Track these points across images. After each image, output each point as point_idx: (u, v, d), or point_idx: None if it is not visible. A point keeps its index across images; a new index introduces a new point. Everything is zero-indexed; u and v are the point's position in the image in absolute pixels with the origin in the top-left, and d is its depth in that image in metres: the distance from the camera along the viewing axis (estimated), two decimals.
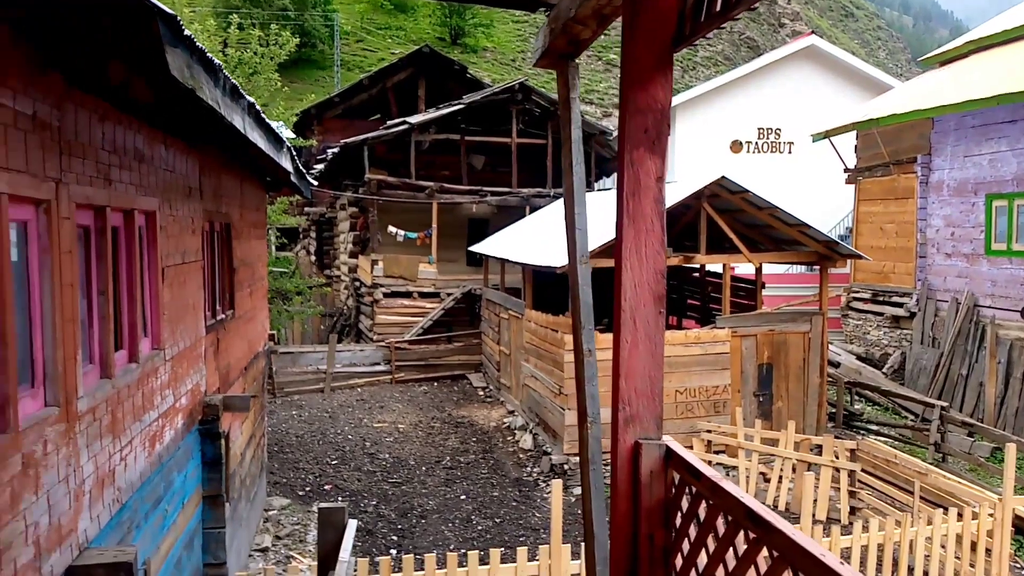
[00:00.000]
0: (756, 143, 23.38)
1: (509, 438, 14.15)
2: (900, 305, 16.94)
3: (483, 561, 6.84)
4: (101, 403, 3.85)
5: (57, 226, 3.34)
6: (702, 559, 1.97)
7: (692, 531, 2.05)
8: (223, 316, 7.48)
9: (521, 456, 13.16)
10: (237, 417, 7.46)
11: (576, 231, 2.63)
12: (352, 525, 3.70)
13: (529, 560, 6.86)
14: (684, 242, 14.50)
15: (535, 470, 12.44)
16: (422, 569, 6.56)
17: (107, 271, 4.10)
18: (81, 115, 3.73)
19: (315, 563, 8.89)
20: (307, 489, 11.31)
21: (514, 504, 11.01)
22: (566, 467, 11.92)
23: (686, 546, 2.10)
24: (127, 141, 4.47)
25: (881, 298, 17.75)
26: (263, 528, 9.51)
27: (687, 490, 2.09)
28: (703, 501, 2.03)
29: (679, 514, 2.17)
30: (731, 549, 1.84)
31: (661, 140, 2.27)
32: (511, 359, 15.76)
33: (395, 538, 9.74)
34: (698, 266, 15.91)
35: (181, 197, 5.82)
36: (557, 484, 6.89)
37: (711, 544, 1.95)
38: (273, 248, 22.75)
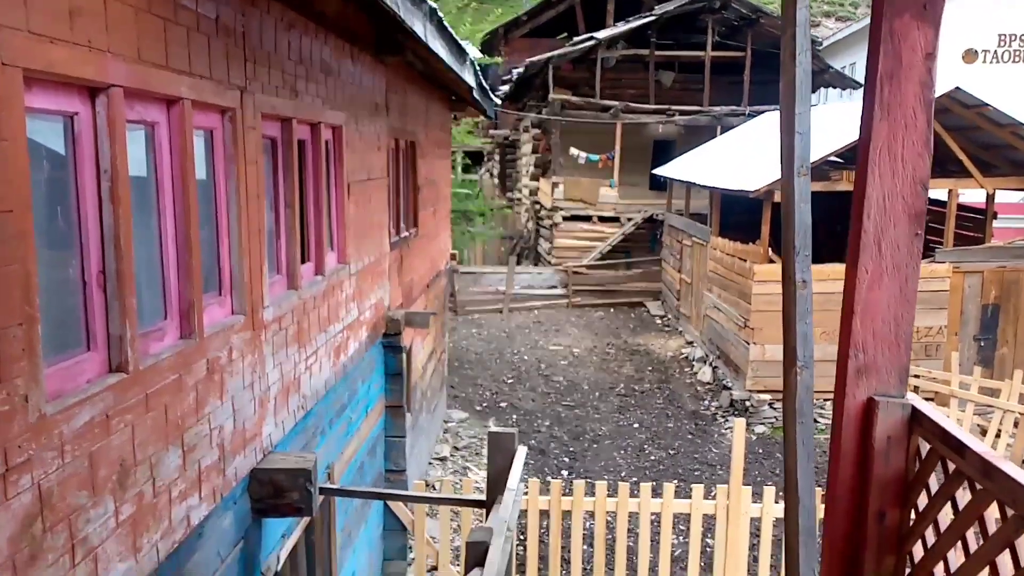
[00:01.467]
0: (995, 52, 20.15)
1: (687, 369, 13.66)
2: None
3: (656, 493, 6.59)
4: (287, 313, 3.92)
5: (242, 135, 3.32)
6: (956, 557, 1.54)
7: (942, 517, 1.61)
8: (407, 234, 7.58)
9: (699, 389, 12.67)
10: (419, 333, 7.63)
11: (796, 135, 2.14)
12: (522, 452, 3.54)
13: (705, 497, 6.52)
14: None
15: (713, 404, 11.93)
16: (592, 495, 6.45)
17: (293, 184, 4.12)
18: (266, 22, 3.66)
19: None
20: (484, 405, 11.61)
21: (689, 437, 10.64)
22: (748, 404, 11.29)
23: (931, 535, 1.67)
24: (314, 52, 4.41)
25: None
26: (442, 439, 9.88)
27: (940, 464, 1.64)
28: (963, 481, 1.58)
29: (923, 492, 1.73)
30: (1009, 551, 1.39)
31: (935, 3, 1.71)
32: (692, 288, 15.07)
33: (567, 460, 9.75)
34: None
35: (367, 113, 5.80)
36: (740, 423, 6.41)
37: (972, 541, 1.51)
38: (458, 170, 23.18)
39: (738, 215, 14.23)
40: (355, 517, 5.51)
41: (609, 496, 6.43)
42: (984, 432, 9.98)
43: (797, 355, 2.02)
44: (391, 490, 5.12)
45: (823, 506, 2.25)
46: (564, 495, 6.45)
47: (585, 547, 7.57)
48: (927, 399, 10.83)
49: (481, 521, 6.51)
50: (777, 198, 10.85)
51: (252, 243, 3.41)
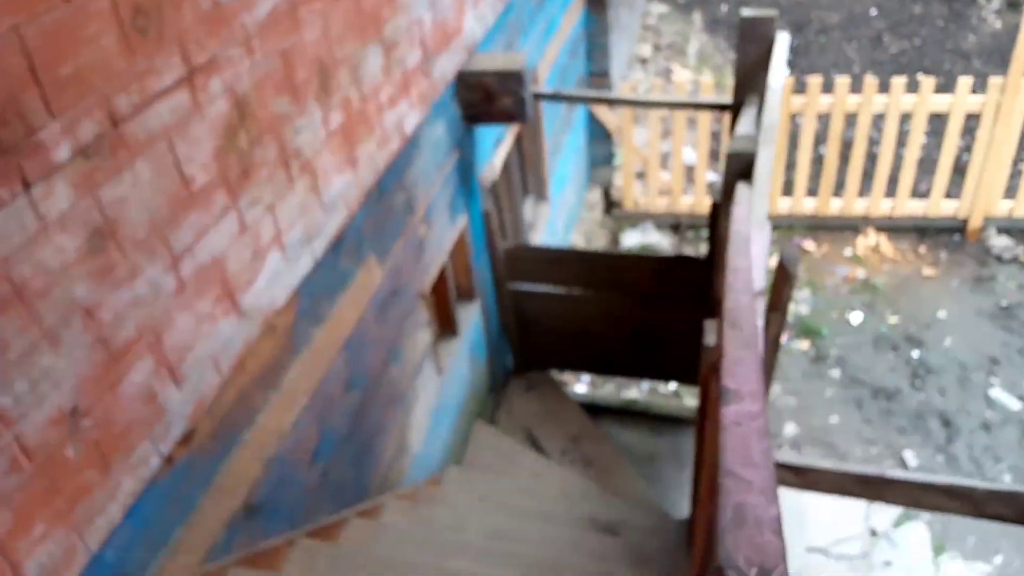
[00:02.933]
0: None
1: None
2: None
3: (911, 89, 5.59)
4: None
5: None
6: None
7: None
8: None
9: None
10: None
11: None
12: (784, 39, 2.79)
13: (973, 93, 5.47)
14: None
15: None
16: (829, 92, 5.61)
17: None
18: None
19: (696, 76, 8.33)
20: None
21: (940, 24, 8.89)
22: None
23: None
24: None
25: None
26: (642, 36, 8.97)
27: None
28: None
29: None
30: None
31: None
32: None
33: (788, 56, 8.60)
34: None
35: None
36: None
37: None
38: None
39: None
40: (561, 125, 5.17)
41: (852, 93, 5.55)
42: None
43: None
44: (615, 95, 4.60)
45: None
46: (795, 93, 5.67)
47: (818, 151, 6.94)
48: None
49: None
50: None
51: None
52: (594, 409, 4.05)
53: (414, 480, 2.90)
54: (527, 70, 3.09)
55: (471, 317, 3.47)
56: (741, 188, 2.01)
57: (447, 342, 3.27)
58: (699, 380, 2.27)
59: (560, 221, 5.26)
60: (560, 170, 5.16)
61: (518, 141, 4.19)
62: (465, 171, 3.24)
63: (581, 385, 4.86)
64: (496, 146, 3.66)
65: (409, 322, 2.76)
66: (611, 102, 3.33)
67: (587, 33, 5.75)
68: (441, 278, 3.15)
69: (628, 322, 3.62)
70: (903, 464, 4.40)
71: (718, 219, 2.50)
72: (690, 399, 4.67)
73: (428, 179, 2.83)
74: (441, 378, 3.12)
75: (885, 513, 4.08)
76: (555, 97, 3.36)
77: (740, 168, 2.22)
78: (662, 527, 2.74)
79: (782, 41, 2.83)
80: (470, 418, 3.56)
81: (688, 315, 3.38)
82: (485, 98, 3.07)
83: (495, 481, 3.01)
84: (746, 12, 2.84)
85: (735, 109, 3.02)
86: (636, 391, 4.83)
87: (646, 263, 3.46)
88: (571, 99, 3.40)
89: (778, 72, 2.70)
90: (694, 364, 3.29)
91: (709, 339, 2.12)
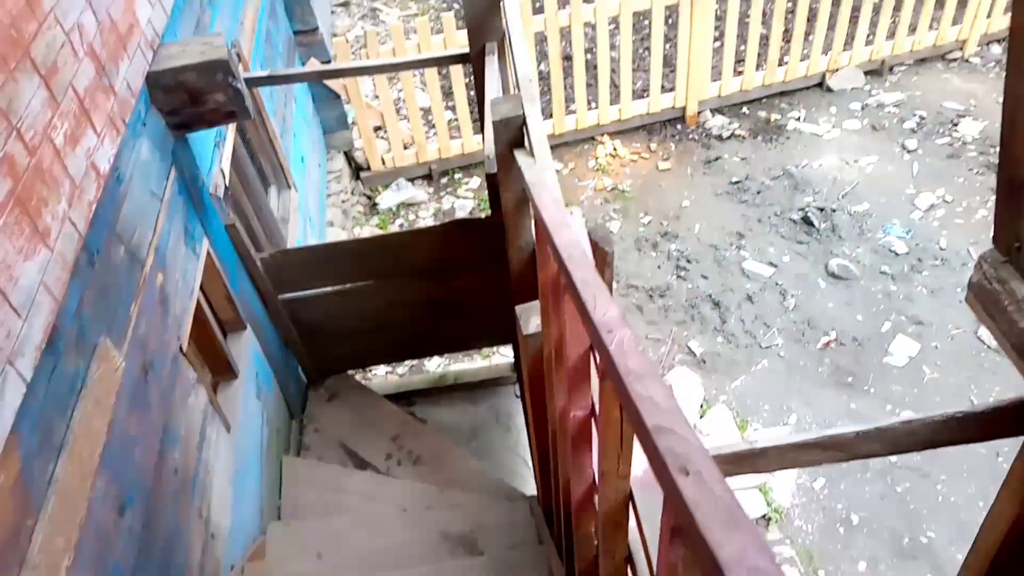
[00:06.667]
0: None
1: None
2: None
3: None
4: None
5: None
6: None
7: None
8: None
9: None
10: None
11: None
12: None
13: None
14: None
15: None
16: (541, 14, 5.60)
17: None
18: None
19: (403, 12, 7.97)
20: None
21: None
22: None
23: None
24: None
25: None
26: None
27: None
28: None
29: None
30: None
31: None
32: None
33: None
34: None
35: None
36: None
37: None
38: None
39: None
40: (282, 99, 4.64)
41: (561, 9, 5.58)
42: None
43: None
44: (342, 64, 4.20)
45: None
46: None
47: (541, 68, 6.98)
48: None
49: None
50: None
51: None
52: (406, 397, 3.81)
53: (235, 560, 2.49)
54: (232, 54, 2.60)
55: (246, 348, 3.02)
56: (528, 166, 1.81)
57: (227, 389, 2.81)
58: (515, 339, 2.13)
59: (312, 204, 4.79)
60: (296, 148, 4.66)
61: (241, 133, 3.66)
62: (190, 188, 2.72)
63: (384, 378, 4.58)
64: (218, 148, 3.13)
65: (175, 393, 2.28)
66: (340, 74, 2.94)
67: None
68: (200, 320, 2.66)
69: (422, 301, 3.37)
70: (692, 353, 4.70)
71: (496, 190, 2.30)
72: (499, 358, 4.59)
73: (147, 216, 2.31)
74: (232, 435, 2.68)
75: (689, 406, 4.35)
76: (273, 80, 2.90)
77: (511, 136, 2.01)
78: (520, 520, 2.62)
79: None
80: (277, 460, 3.15)
81: (484, 278, 3.21)
82: (190, 99, 2.55)
83: (326, 524, 2.69)
84: None
85: (474, 59, 2.79)
86: (440, 367, 4.66)
87: (426, 237, 3.20)
88: (293, 79, 2.96)
89: (514, 14, 2.50)
90: (500, 323, 3.15)
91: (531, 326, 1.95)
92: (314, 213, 4.85)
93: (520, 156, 1.95)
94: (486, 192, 3.80)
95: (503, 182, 2.15)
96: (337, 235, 5.16)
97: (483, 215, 4.79)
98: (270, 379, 3.31)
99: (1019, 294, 1.15)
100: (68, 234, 1.78)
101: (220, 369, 2.81)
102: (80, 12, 2.05)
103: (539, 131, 2.01)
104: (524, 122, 1.99)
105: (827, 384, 4.41)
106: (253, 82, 2.89)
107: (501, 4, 2.58)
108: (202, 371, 2.59)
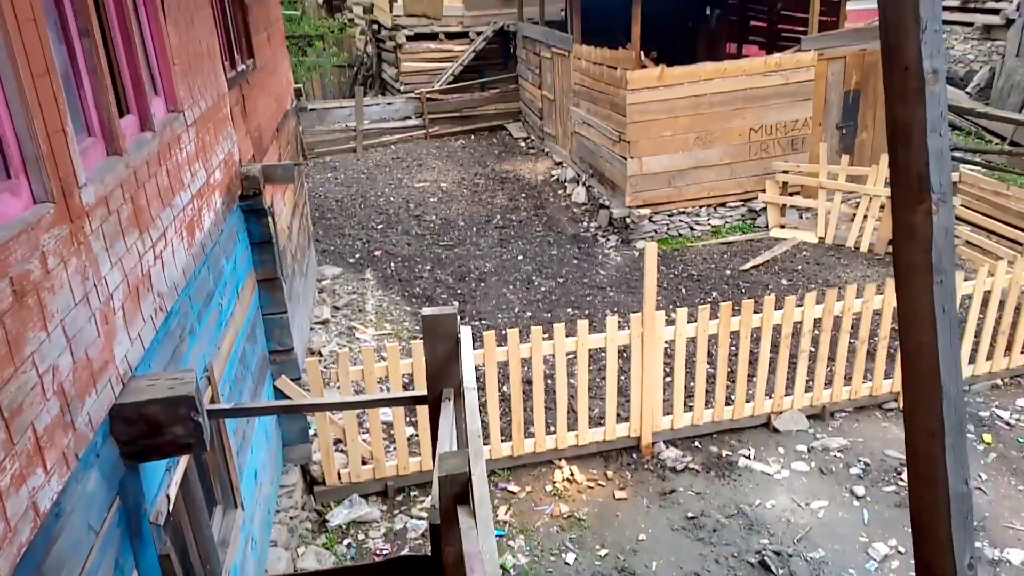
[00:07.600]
0: None
1: (560, 192, 13.25)
2: (996, 12, 14.83)
3: (570, 332, 6.24)
4: (114, 189, 2.86)
5: None
6: None
7: None
8: (244, 66, 6.23)
9: (575, 211, 12.34)
10: (278, 188, 6.52)
11: None
12: (467, 335, 2.85)
13: (620, 328, 6.26)
14: None
15: (592, 225, 11.68)
16: (504, 344, 6.01)
17: (86, 1, 2.89)
18: None
19: (378, 332, 8.48)
20: (357, 256, 10.72)
21: (575, 262, 10.39)
22: (628, 221, 11.11)
23: None
24: None
25: (973, 3, 15.55)
26: (319, 300, 9.02)
27: None
28: None
29: None
30: None
31: None
32: (556, 105, 14.34)
33: (456, 303, 9.23)
34: None
35: None
36: (651, 247, 6.02)
37: None
38: None
39: (601, 18, 13.34)
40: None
41: (522, 342, 6.01)
42: (852, 218, 10.39)
43: (931, 184, 1.39)
44: (303, 400, 4.36)
45: None
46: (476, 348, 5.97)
47: (503, 389, 7.26)
48: (794, 193, 11.09)
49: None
50: None
51: (42, 91, 2.30)
52: None
53: None
54: (199, 390, 2.73)
55: None
56: (468, 529, 1.84)
57: None
58: None
59: (258, 521, 4.64)
60: (251, 464, 4.64)
61: (197, 454, 3.67)
62: (131, 518, 2.67)
63: None
64: (169, 472, 3.13)
65: None
66: (302, 409, 3.07)
67: (263, 313, 5.54)
68: None
69: None
70: None
71: (439, 541, 2.29)
72: None
73: (79, 551, 2.24)
74: None
75: None
76: (237, 412, 3.02)
77: (456, 491, 2.07)
78: None
79: (466, 335, 2.89)
80: None
81: None
82: (149, 431, 2.62)
83: None
84: (427, 311, 2.87)
85: (432, 402, 2.95)
86: None
87: (365, 574, 3.09)
88: (256, 412, 3.08)
89: (469, 367, 2.71)
90: None
91: None
92: (258, 532, 4.67)
93: (463, 515, 1.99)
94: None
95: (445, 535, 2.16)
96: (279, 556, 4.91)
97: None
98: None
99: None
100: None
101: None
102: (59, 354, 2.19)
103: (483, 490, 2.08)
104: (469, 478, 2.06)
105: None
106: (217, 414, 3.00)
107: (459, 356, 2.81)
108: None
